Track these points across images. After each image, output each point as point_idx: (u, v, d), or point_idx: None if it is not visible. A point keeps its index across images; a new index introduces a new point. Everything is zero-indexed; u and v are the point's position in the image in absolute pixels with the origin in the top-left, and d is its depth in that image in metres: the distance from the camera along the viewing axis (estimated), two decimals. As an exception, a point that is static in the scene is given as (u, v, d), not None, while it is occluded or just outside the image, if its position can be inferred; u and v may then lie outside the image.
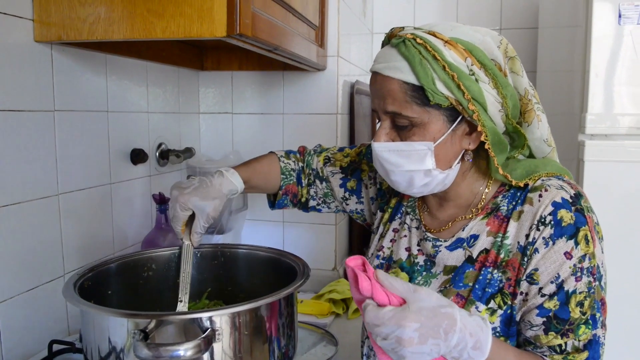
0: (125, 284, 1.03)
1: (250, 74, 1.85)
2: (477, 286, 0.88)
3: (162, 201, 1.44)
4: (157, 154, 1.65)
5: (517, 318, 0.88)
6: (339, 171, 1.19)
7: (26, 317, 1.17)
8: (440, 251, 0.95)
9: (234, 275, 1.13)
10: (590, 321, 0.83)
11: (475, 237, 0.92)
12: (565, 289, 0.83)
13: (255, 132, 1.89)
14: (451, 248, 0.93)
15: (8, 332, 1.13)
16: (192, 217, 1.05)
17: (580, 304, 0.83)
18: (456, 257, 0.92)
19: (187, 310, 0.99)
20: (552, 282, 0.84)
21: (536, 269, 0.85)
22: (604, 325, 0.86)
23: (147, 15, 1.06)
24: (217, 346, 0.78)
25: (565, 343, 0.83)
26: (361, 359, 1.09)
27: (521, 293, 0.87)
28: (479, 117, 0.86)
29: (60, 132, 1.25)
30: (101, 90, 1.40)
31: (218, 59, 1.83)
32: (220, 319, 0.77)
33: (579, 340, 0.83)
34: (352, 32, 2.02)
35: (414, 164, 0.89)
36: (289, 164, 1.22)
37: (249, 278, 1.13)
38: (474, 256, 0.90)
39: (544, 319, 0.84)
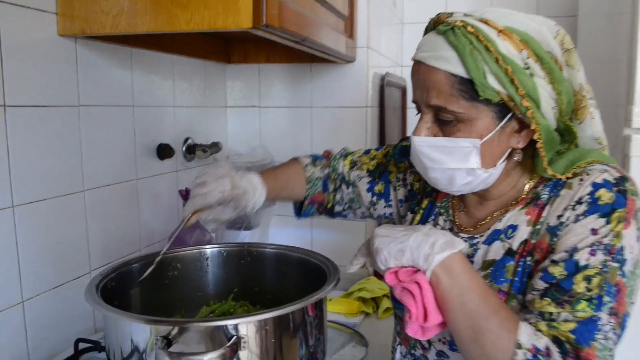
0: (150, 284, 1.00)
1: (277, 66, 1.82)
2: (516, 279, 0.83)
3: (188, 197, 1.42)
4: (184, 148, 1.63)
5: None
6: (365, 175, 1.14)
7: (52, 314, 1.16)
8: (478, 249, 0.89)
9: (261, 276, 1.10)
10: (595, 300, 0.73)
11: (513, 228, 0.85)
12: (576, 258, 0.75)
13: (283, 125, 1.85)
14: (488, 242, 0.88)
15: (34, 329, 1.12)
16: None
17: (588, 279, 0.74)
18: (495, 250, 0.86)
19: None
20: (566, 252, 0.77)
21: (559, 239, 0.79)
22: (614, 315, 0.73)
23: (171, 7, 1.03)
24: (243, 354, 0.74)
25: (558, 314, 0.74)
26: None
27: None
28: (532, 114, 0.79)
29: (85, 128, 1.23)
30: (126, 84, 1.37)
31: (245, 51, 1.80)
32: (246, 326, 0.73)
33: (574, 316, 0.73)
34: (383, 22, 1.96)
35: (457, 161, 0.83)
36: (315, 173, 1.18)
37: (277, 279, 1.09)
38: (514, 248, 0.84)
39: (547, 285, 0.77)
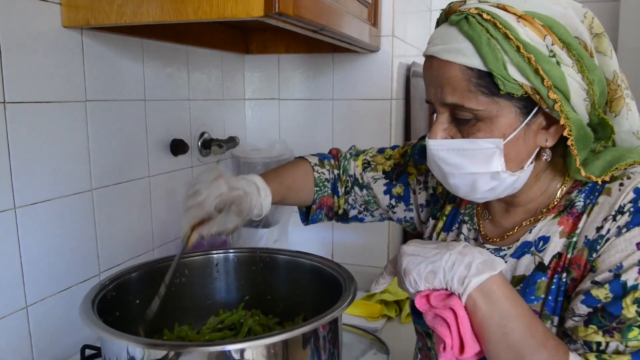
0: (154, 292, 0.94)
1: (297, 57, 1.74)
2: (549, 297, 0.74)
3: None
4: (199, 144, 1.56)
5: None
6: (381, 176, 1.05)
7: (59, 319, 1.12)
8: (506, 262, 0.80)
9: (273, 283, 1.03)
10: None
11: (545, 240, 0.76)
12: (623, 279, 0.66)
13: (303, 119, 1.77)
14: (517, 255, 0.79)
15: (40, 334, 1.08)
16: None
17: (639, 302, 0.66)
18: (525, 265, 0.77)
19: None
20: (609, 271, 0.68)
21: (599, 256, 0.70)
22: None
23: (177, -5, 0.96)
24: (247, 380, 0.67)
25: (607, 344, 0.67)
26: None
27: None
28: (561, 108, 0.70)
29: (92, 124, 1.17)
30: (137, 77, 1.31)
31: (264, 41, 1.73)
32: (252, 351, 0.66)
33: (626, 345, 0.65)
34: (409, 9, 1.86)
35: (479, 165, 0.74)
36: (323, 174, 1.07)
37: (290, 286, 1.02)
38: (546, 263, 0.75)
39: (590, 310, 0.68)
